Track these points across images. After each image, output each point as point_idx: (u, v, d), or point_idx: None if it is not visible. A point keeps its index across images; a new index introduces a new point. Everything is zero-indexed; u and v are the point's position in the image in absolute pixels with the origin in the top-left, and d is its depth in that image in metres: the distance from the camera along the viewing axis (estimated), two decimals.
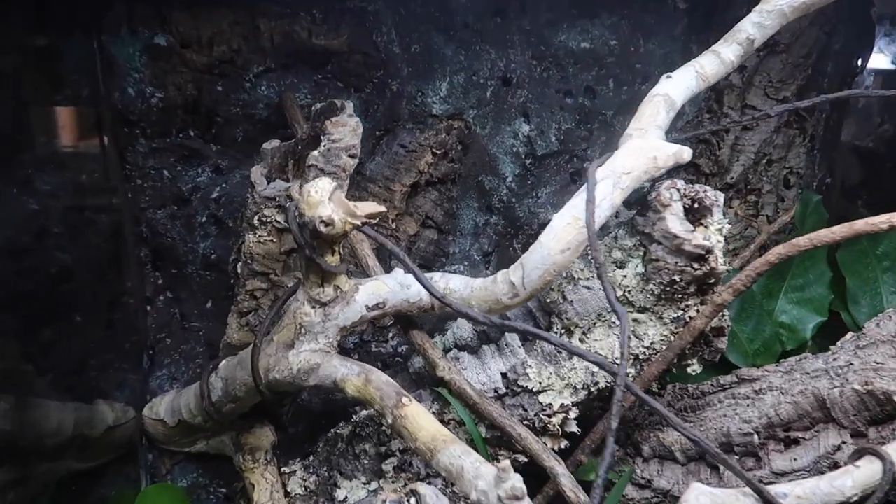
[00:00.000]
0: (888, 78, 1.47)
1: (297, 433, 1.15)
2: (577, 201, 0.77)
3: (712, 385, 1.03)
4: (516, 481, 0.66)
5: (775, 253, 0.79)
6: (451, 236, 1.27)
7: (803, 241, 0.77)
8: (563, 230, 0.76)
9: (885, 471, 0.66)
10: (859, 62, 1.40)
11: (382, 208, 0.72)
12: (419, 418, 0.76)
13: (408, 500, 0.70)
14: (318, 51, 1.10)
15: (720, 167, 1.37)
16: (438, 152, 1.19)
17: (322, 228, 0.70)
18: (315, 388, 0.82)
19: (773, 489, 0.67)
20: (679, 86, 0.87)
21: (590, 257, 0.88)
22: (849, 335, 0.97)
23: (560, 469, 0.83)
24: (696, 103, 1.33)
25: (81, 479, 0.99)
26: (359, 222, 0.72)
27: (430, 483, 0.87)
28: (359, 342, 1.22)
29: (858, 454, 0.70)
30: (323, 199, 0.71)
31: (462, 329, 0.98)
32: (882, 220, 0.72)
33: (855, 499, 0.66)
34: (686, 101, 0.88)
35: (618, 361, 0.87)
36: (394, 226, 1.19)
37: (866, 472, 0.67)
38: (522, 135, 1.24)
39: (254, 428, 0.99)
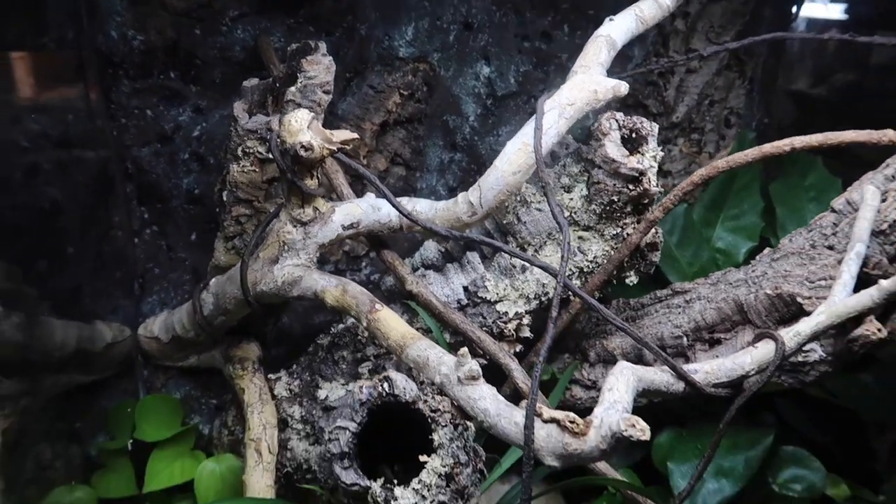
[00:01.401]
0: (823, 25, 1.59)
1: (279, 354, 1.26)
2: (528, 129, 0.87)
3: (651, 298, 1.17)
4: (473, 364, 0.78)
5: (698, 174, 0.91)
6: (418, 173, 1.37)
7: (721, 164, 0.89)
8: (515, 154, 0.87)
9: (778, 349, 0.79)
10: (794, 9, 1.51)
11: (355, 135, 0.82)
12: (390, 321, 0.87)
13: (381, 385, 0.82)
14: None
15: (666, 107, 1.48)
16: (405, 93, 1.28)
17: (302, 153, 0.80)
18: (298, 300, 0.92)
19: (686, 367, 0.80)
20: (620, 28, 0.97)
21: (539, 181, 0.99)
22: (766, 250, 1.10)
23: (514, 365, 0.96)
24: (644, 48, 1.43)
25: (85, 391, 1.09)
26: (335, 147, 0.81)
27: None
28: (334, 271, 1.33)
29: (759, 338, 0.83)
30: (302, 127, 0.81)
31: (428, 250, 1.09)
32: (785, 143, 0.84)
33: (752, 372, 0.80)
34: (626, 41, 0.99)
35: (568, 273, 0.99)
36: (365, 162, 1.29)
37: (763, 351, 0.80)
38: (483, 77, 1.33)
39: (241, 342, 1.10)
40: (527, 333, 1.03)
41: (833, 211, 1.04)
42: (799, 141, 0.84)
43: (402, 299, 1.05)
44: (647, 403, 1.09)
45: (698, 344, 1.07)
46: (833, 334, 0.94)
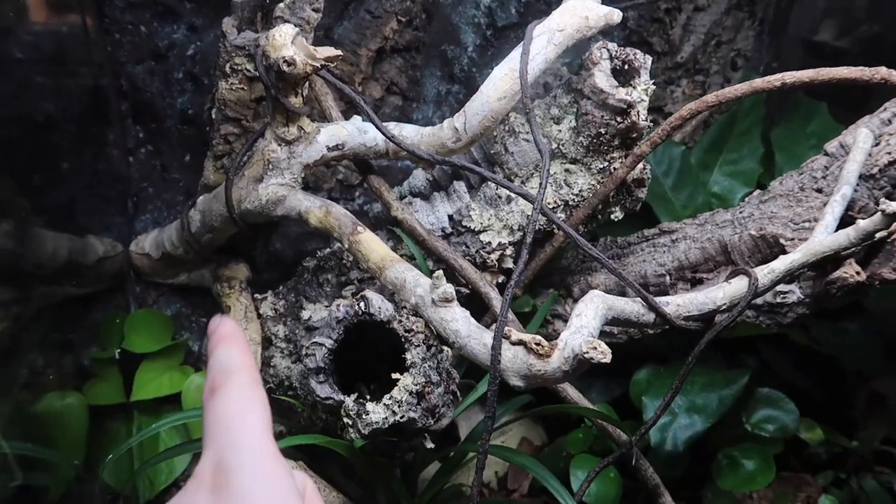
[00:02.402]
0: None
1: (271, 279, 1.28)
2: (515, 55, 0.86)
3: (638, 237, 1.17)
4: (447, 287, 0.80)
5: (687, 108, 0.90)
6: (414, 103, 1.36)
7: (711, 98, 0.88)
8: (501, 80, 0.86)
9: (750, 284, 0.80)
10: None
11: (339, 52, 0.81)
12: (371, 243, 0.88)
13: (358, 304, 0.83)
14: None
15: (671, 46, 1.45)
16: (403, 19, 1.26)
17: (285, 68, 0.79)
18: (282, 220, 0.93)
19: (659, 299, 0.81)
20: None
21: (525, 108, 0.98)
22: (756, 192, 1.10)
23: (493, 294, 0.97)
24: None
25: (77, 303, 1.12)
26: (318, 64, 0.81)
27: None
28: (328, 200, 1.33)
29: (733, 274, 0.84)
30: (286, 42, 0.80)
31: (416, 178, 1.09)
32: (776, 79, 0.83)
33: (724, 306, 0.81)
34: None
35: (546, 207, 0.99)
36: (360, 89, 1.27)
37: (736, 286, 0.81)
38: (484, 6, 1.30)
39: (230, 263, 1.12)
40: (509, 264, 1.04)
41: (826, 154, 1.03)
42: (790, 76, 0.83)
43: (388, 225, 1.05)
44: (629, 342, 1.11)
45: (680, 283, 1.08)
46: (813, 276, 0.94)
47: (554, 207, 1.00)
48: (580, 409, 0.98)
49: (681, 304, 0.81)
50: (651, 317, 0.80)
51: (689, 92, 1.50)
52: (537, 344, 0.72)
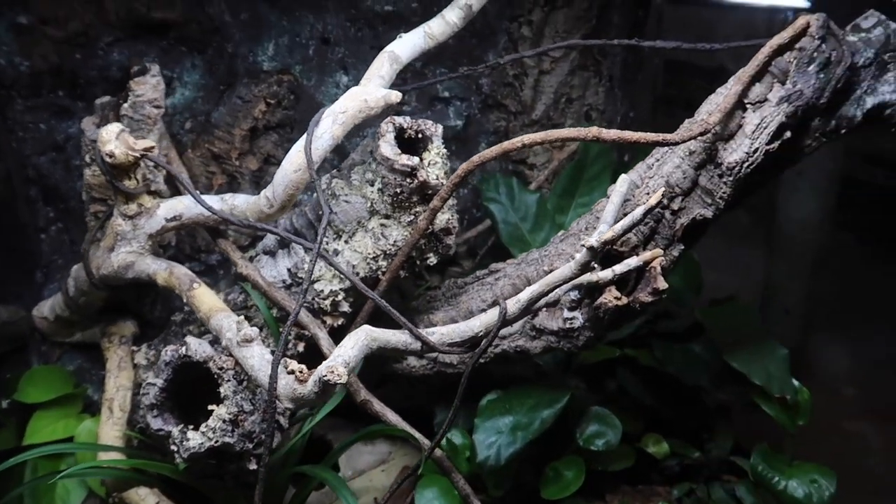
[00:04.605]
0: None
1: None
2: (306, 135, 1.04)
3: (473, 277, 1.33)
4: (248, 329, 0.96)
5: (463, 168, 1.07)
6: None
7: (476, 158, 1.05)
8: (296, 156, 1.04)
9: (500, 313, 0.95)
10: (640, 13, 1.65)
11: (153, 143, 1.00)
12: (204, 297, 1.06)
13: (180, 349, 1.00)
14: (158, 23, 1.35)
15: (524, 106, 1.63)
16: (272, 102, 1.46)
17: (108, 159, 0.98)
18: (134, 282, 1.11)
19: (425, 330, 0.97)
20: (406, 44, 1.14)
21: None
22: (561, 232, 1.25)
23: (321, 334, 1.13)
24: (497, 53, 1.58)
25: None
26: (138, 154, 1.00)
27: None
28: (221, 260, 1.51)
29: (491, 305, 0.99)
30: (111, 138, 0.99)
31: (268, 239, 1.27)
32: (517, 141, 1.00)
33: (481, 333, 0.96)
34: (413, 56, 1.15)
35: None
36: (237, 163, 1.47)
37: (490, 316, 0.96)
38: (343, 85, 1.50)
39: (117, 320, 1.29)
40: (345, 308, 1.20)
41: (607, 197, 1.19)
42: (528, 138, 1.00)
43: (239, 281, 1.23)
44: (473, 371, 1.25)
45: None
46: (588, 304, 1.09)
47: (375, 256, 1.17)
48: (395, 430, 1.12)
49: (444, 332, 0.96)
50: (418, 345, 0.96)
51: (548, 146, 1.67)
52: (300, 372, 0.88)
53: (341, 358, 0.87)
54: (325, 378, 0.83)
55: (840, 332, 2.07)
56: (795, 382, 1.31)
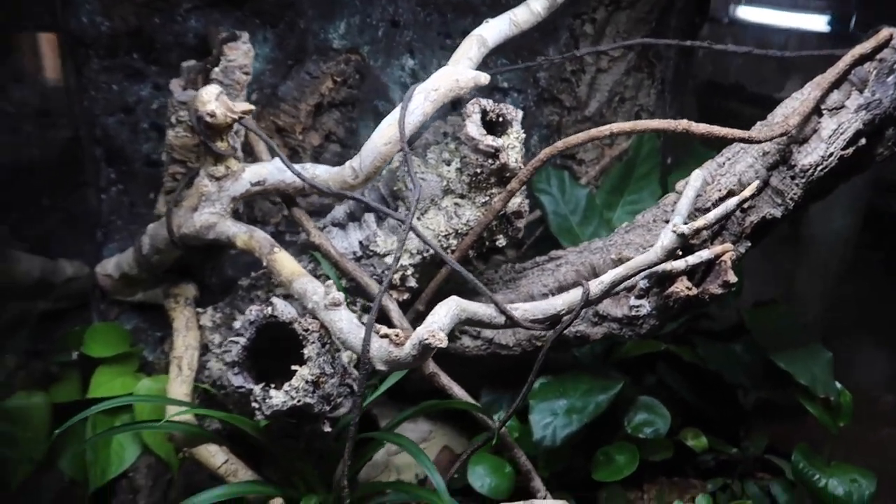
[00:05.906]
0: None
1: (222, 299, 1.47)
2: (398, 109, 1.07)
3: (532, 263, 1.36)
4: (336, 294, 0.98)
5: (544, 153, 1.10)
6: (352, 150, 1.57)
7: (560, 144, 1.08)
8: (386, 129, 1.06)
9: (583, 293, 0.98)
10: (697, 19, 1.69)
11: (252, 107, 1.02)
12: (284, 261, 1.08)
13: (266, 309, 1.02)
14: None
15: (579, 102, 1.67)
16: (338, 79, 1.48)
17: (209, 119, 1.00)
18: (214, 242, 1.13)
19: (510, 305, 0.99)
20: (493, 29, 1.17)
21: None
22: (624, 223, 1.29)
23: (392, 305, 1.16)
24: (557, 48, 1.62)
25: (48, 317, 1.31)
26: (236, 116, 1.02)
27: None
28: (275, 232, 1.53)
29: (573, 286, 1.02)
30: (211, 99, 1.01)
31: (337, 211, 1.29)
32: (604, 130, 1.03)
33: (563, 311, 0.99)
34: (499, 41, 1.18)
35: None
36: (300, 138, 1.49)
37: (573, 295, 0.99)
38: (408, 68, 1.53)
39: (180, 282, 1.31)
40: (412, 283, 1.23)
41: (676, 192, 1.23)
42: (616, 127, 1.03)
43: (310, 250, 1.25)
44: (522, 354, 1.28)
45: None
46: (657, 293, 1.12)
47: (447, 235, 1.19)
48: (462, 404, 1.15)
49: (527, 309, 0.99)
50: (502, 319, 0.98)
51: (598, 142, 1.70)
52: (396, 335, 0.90)
53: (436, 325, 0.90)
54: (425, 341, 0.85)
55: (855, 345, 2.12)
56: (838, 385, 1.35)
